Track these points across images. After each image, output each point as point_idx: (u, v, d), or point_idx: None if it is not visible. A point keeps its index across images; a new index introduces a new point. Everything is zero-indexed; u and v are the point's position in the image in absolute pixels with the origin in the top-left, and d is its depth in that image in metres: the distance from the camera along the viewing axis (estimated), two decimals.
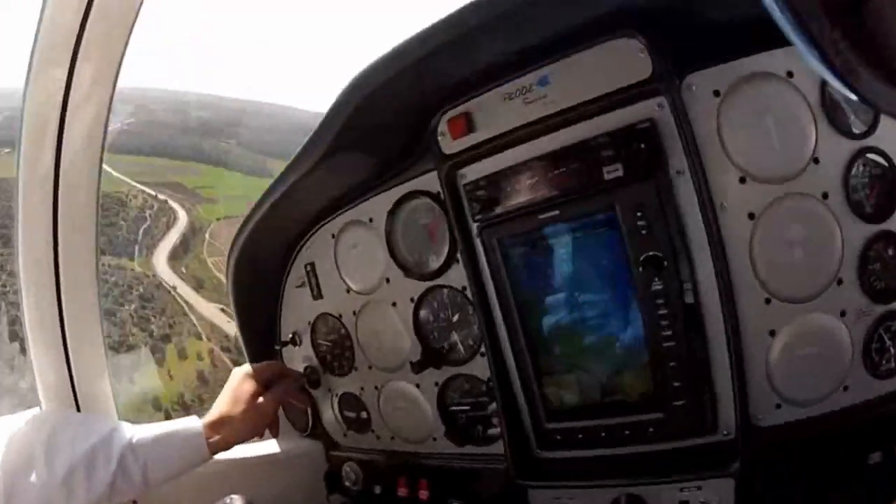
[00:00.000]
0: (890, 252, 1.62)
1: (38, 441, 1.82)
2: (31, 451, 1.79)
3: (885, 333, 1.63)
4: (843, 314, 1.60)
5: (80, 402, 2.36)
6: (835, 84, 0.67)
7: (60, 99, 1.98)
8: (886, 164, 1.59)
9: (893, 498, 1.70)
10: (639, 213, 1.65)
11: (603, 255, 1.75)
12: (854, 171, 1.58)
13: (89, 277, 2.37)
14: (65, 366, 2.33)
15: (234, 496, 1.68)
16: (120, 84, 2.05)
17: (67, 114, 2.04)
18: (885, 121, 1.57)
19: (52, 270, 2.25)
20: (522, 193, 1.80)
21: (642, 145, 1.61)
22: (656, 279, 1.67)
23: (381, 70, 1.76)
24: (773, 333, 1.64)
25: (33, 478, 1.75)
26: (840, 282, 1.59)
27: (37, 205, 2.19)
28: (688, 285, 1.65)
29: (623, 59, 1.61)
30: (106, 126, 2.19)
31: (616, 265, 1.72)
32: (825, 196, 1.57)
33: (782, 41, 1.43)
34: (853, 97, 0.67)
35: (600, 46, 1.64)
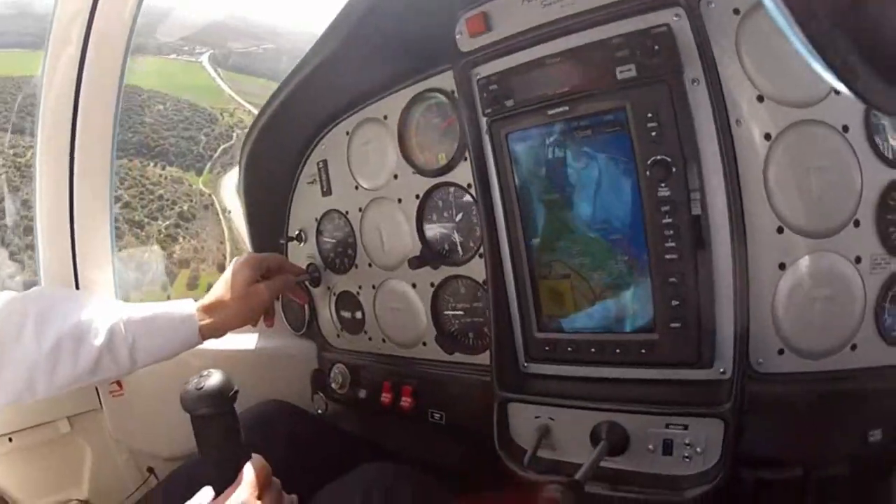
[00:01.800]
0: None
1: (30, 312, 1.81)
2: (23, 321, 1.79)
3: None
4: (857, 260, 1.53)
5: (79, 285, 2.41)
6: (834, 84, 0.68)
7: None
8: None
9: (885, 479, 1.67)
10: (649, 115, 1.60)
11: (611, 158, 1.69)
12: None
13: (103, 166, 2.41)
14: (69, 248, 2.38)
15: (211, 370, 1.65)
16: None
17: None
18: None
19: (68, 156, 2.29)
20: (534, 89, 1.76)
21: (656, 47, 1.56)
22: (663, 185, 1.61)
23: None
24: (782, 266, 1.55)
25: (21, 347, 1.76)
26: (857, 223, 1.52)
27: (58, 91, 2.22)
28: (695, 195, 1.58)
29: None
30: (135, 20, 2.24)
31: (623, 168, 1.67)
32: (845, 129, 1.50)
33: None
34: (852, 96, 0.68)
35: None
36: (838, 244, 1.52)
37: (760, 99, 1.53)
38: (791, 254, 1.54)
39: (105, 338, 1.84)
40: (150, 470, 2.53)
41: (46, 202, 2.34)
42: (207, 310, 2.01)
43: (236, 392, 1.52)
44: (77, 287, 2.40)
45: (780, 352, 1.57)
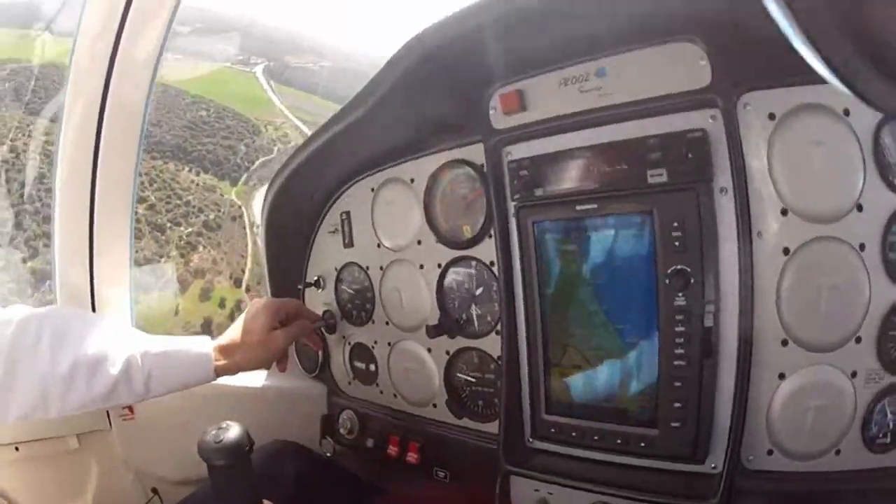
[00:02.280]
0: None
1: (48, 331, 1.82)
2: (38, 339, 1.80)
3: (889, 406, 1.57)
4: (853, 374, 1.55)
5: (95, 306, 2.45)
6: (835, 84, 0.68)
7: None
8: None
9: None
10: (675, 224, 1.61)
11: (633, 259, 1.72)
12: (894, 227, 1.52)
13: (125, 186, 2.44)
14: (87, 267, 2.41)
15: (229, 422, 1.69)
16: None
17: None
18: None
19: (90, 173, 2.32)
20: (564, 181, 1.78)
21: (690, 154, 1.58)
22: (680, 295, 1.63)
23: (448, 28, 1.74)
24: (782, 377, 1.59)
25: (36, 366, 1.77)
26: (858, 340, 1.54)
27: (84, 100, 2.25)
28: (710, 308, 1.61)
29: (683, 64, 1.58)
30: (168, 30, 2.26)
31: (644, 272, 1.69)
32: (862, 247, 1.51)
33: None
34: (854, 96, 0.68)
35: (662, 47, 1.61)
36: (838, 358, 1.54)
37: (784, 212, 1.54)
38: (792, 365, 1.57)
39: (122, 367, 1.86)
40: (155, 491, 2.59)
41: (66, 219, 2.37)
42: (223, 350, 2.03)
43: (252, 445, 1.55)
44: (93, 304, 2.44)
45: (770, 452, 1.61)
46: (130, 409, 2.45)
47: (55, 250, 2.42)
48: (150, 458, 2.55)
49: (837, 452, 1.57)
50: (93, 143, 2.30)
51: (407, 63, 1.83)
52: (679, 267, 1.62)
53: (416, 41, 1.79)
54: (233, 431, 1.56)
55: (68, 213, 2.38)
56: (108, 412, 2.46)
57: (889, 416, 1.56)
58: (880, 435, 1.56)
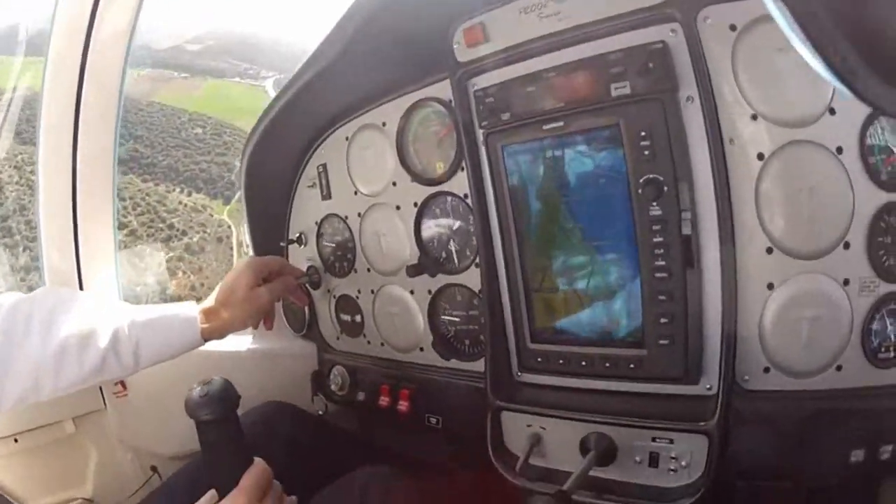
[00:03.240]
0: None
1: (36, 313, 1.84)
2: (29, 322, 1.81)
3: (889, 316, 1.56)
4: (846, 282, 1.54)
5: (83, 285, 2.47)
6: (835, 84, 0.69)
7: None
8: None
9: (872, 492, 1.71)
10: (643, 133, 1.61)
11: (605, 173, 1.71)
12: (871, 130, 1.50)
13: (105, 168, 2.50)
14: (73, 249, 2.43)
15: (214, 377, 1.68)
16: None
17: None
18: None
19: (70, 158, 2.38)
20: (529, 103, 1.77)
21: (651, 65, 1.57)
22: (654, 204, 1.62)
23: None
24: (770, 287, 1.57)
25: (28, 348, 1.78)
26: (847, 245, 1.53)
27: (59, 94, 2.29)
28: (686, 215, 1.60)
29: None
30: (131, 35, 2.32)
31: (616, 185, 1.68)
32: (839, 150, 1.50)
33: None
34: (853, 97, 0.69)
35: None
36: (827, 266, 1.53)
37: (754, 118, 1.53)
38: (780, 274, 1.56)
39: (110, 339, 1.86)
40: (154, 469, 2.59)
41: (49, 202, 2.39)
42: (209, 312, 2.03)
43: (239, 398, 1.55)
44: (81, 287, 2.44)
45: (766, 370, 1.59)
46: (123, 385, 2.46)
47: (41, 235, 2.43)
48: (146, 436, 2.56)
49: (839, 368, 1.55)
50: (72, 128, 2.34)
51: (369, 8, 1.83)
52: (651, 176, 1.61)
53: None
54: (217, 384, 1.55)
55: (51, 197, 2.40)
56: (101, 392, 2.47)
57: (889, 327, 1.56)
58: (882, 349, 1.56)
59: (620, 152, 1.65)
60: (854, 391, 1.55)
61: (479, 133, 1.90)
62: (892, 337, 1.55)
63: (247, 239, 2.68)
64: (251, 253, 2.65)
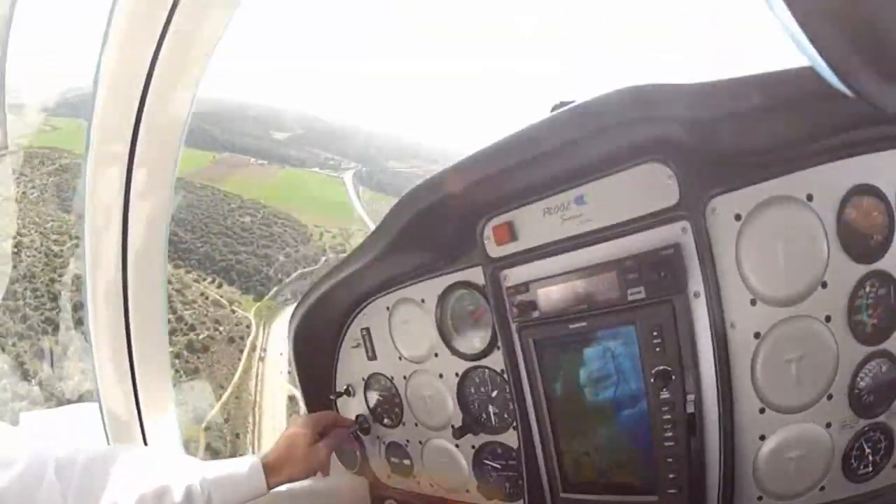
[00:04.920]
0: (883, 369, 1.75)
1: (113, 472, 2.03)
2: (105, 480, 2.00)
3: (867, 443, 1.79)
4: (828, 425, 1.78)
5: (146, 437, 2.70)
6: (835, 84, 0.71)
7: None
8: (892, 286, 1.72)
9: None
10: (654, 333, 1.92)
11: (623, 363, 2.02)
12: (861, 293, 1.72)
13: (159, 315, 2.70)
14: (133, 402, 2.65)
15: None
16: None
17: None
18: None
19: (122, 305, 2.55)
20: (556, 303, 2.08)
21: (663, 273, 1.87)
22: (664, 389, 1.93)
23: (436, 186, 2.08)
24: (762, 438, 1.85)
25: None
26: (830, 397, 1.77)
27: (105, 237, 2.45)
28: (690, 396, 1.90)
29: (652, 184, 1.85)
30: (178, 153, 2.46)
31: (632, 373, 2.01)
32: (828, 319, 1.73)
33: (802, 164, 1.68)
34: (853, 96, 0.71)
35: (631, 170, 1.89)
36: (812, 415, 1.79)
37: (753, 302, 1.81)
38: (770, 428, 1.85)
39: (183, 495, 2.07)
40: None
41: (105, 354, 2.60)
42: (272, 467, 2.28)
43: None
44: (143, 433, 2.69)
45: (760, 498, 1.90)
46: None
47: (98, 384, 2.64)
48: None
49: (822, 489, 1.83)
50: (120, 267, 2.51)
51: (403, 220, 2.17)
52: (661, 367, 1.93)
53: (409, 200, 2.15)
54: None
55: (108, 356, 2.60)
56: None
57: (867, 450, 1.79)
58: (861, 467, 1.80)
59: (635, 348, 1.98)
60: (835, 503, 1.84)
61: (513, 325, 2.21)
62: (870, 457, 1.79)
63: (298, 394, 2.94)
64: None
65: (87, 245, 2.42)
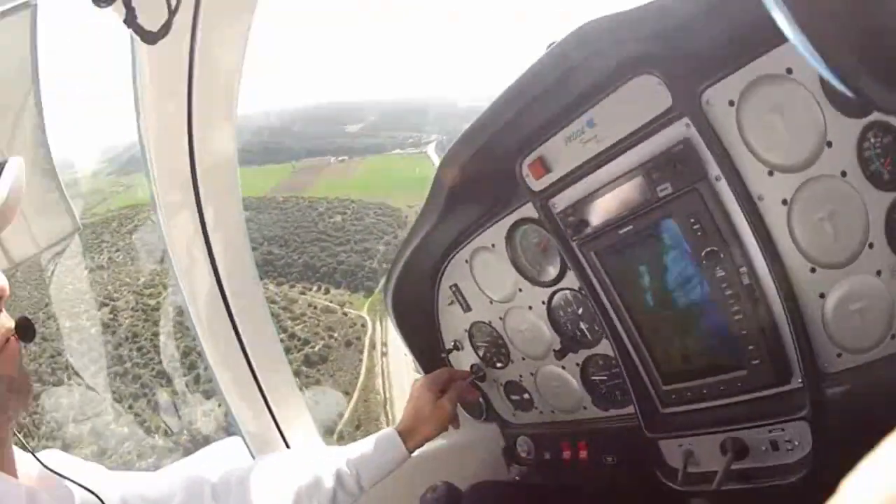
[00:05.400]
0: None
1: (264, 483, 2.26)
2: (259, 492, 2.22)
3: None
4: (878, 273, 1.81)
5: (286, 440, 2.90)
6: (835, 84, 0.70)
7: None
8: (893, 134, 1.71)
9: None
10: (692, 220, 2.04)
11: (676, 252, 2.15)
12: (866, 145, 1.74)
13: (266, 327, 2.86)
14: (270, 418, 2.84)
15: (435, 484, 2.13)
16: None
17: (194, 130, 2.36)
18: None
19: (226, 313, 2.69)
20: (602, 215, 2.24)
21: (679, 165, 2.00)
22: (717, 268, 2.05)
23: (466, 143, 2.27)
24: (822, 296, 1.92)
25: None
26: (871, 245, 1.80)
27: (196, 276, 2.60)
28: (743, 269, 2.01)
29: (646, 94, 2.00)
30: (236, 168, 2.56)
31: (686, 259, 2.13)
32: (844, 174, 1.78)
33: (773, 41, 1.78)
34: (853, 96, 0.70)
35: (626, 86, 2.04)
36: (860, 266, 1.83)
37: (771, 173, 1.91)
38: (826, 285, 1.92)
39: (335, 479, 2.31)
40: None
41: (232, 387, 2.79)
42: (406, 433, 2.49)
43: (460, 492, 2.02)
44: (283, 437, 2.89)
45: (839, 355, 1.97)
46: None
47: (233, 411, 2.82)
48: None
49: (893, 336, 1.88)
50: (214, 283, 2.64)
51: (449, 178, 2.37)
52: (709, 249, 2.05)
53: (449, 160, 2.33)
54: (441, 489, 2.04)
55: (229, 374, 2.77)
56: None
57: None
58: None
59: (680, 237, 2.10)
60: None
61: (574, 244, 2.37)
62: None
63: (410, 357, 3.15)
64: (416, 367, 3.14)
65: (183, 289, 2.60)
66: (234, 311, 2.70)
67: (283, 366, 2.96)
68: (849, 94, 0.70)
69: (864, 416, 1.91)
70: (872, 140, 1.74)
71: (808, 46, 0.67)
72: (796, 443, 2.09)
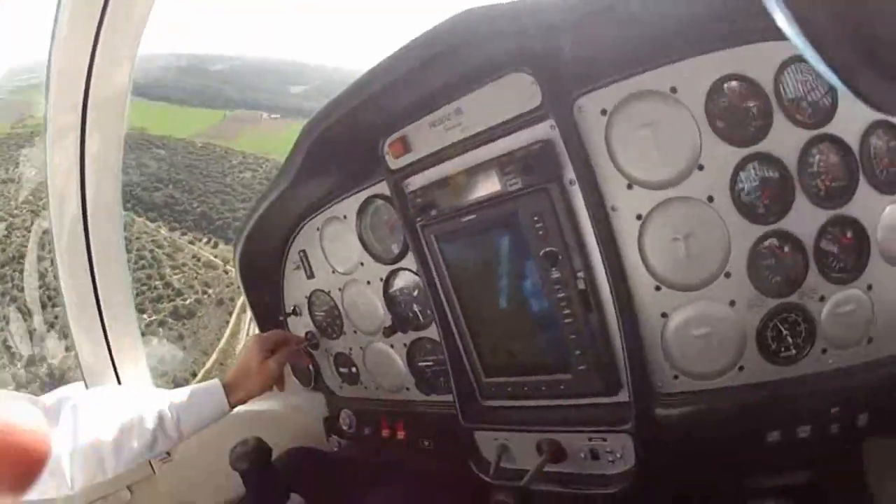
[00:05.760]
0: (786, 249, 1.84)
1: (95, 409, 2.24)
2: (90, 417, 2.20)
3: (783, 324, 1.87)
4: (732, 303, 1.87)
5: (120, 378, 2.86)
6: (835, 84, 0.70)
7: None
8: (778, 168, 1.80)
9: (791, 472, 2.09)
10: (535, 218, 2.07)
11: (514, 248, 2.18)
12: (743, 175, 1.81)
13: (121, 270, 2.85)
14: (106, 351, 2.80)
15: (247, 438, 2.13)
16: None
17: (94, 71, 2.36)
18: (777, 126, 1.78)
19: (87, 260, 2.67)
20: (449, 200, 2.26)
21: (533, 163, 2.02)
22: (553, 269, 2.09)
23: (331, 112, 2.23)
24: (664, 315, 1.97)
25: (91, 439, 2.16)
26: (728, 275, 1.86)
27: (66, 201, 2.56)
28: (580, 274, 2.05)
29: (518, 91, 2.00)
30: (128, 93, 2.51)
31: (525, 257, 2.16)
32: (710, 199, 1.83)
33: (665, 60, 1.86)
34: (853, 96, 0.70)
35: (498, 81, 2.05)
36: (712, 293, 1.90)
37: (630, 186, 1.94)
38: (670, 305, 1.97)
39: (156, 421, 2.29)
40: None
41: (75, 305, 2.73)
42: (231, 386, 2.49)
43: (271, 450, 2.03)
44: (116, 372, 2.85)
45: (675, 377, 2.03)
46: (168, 452, 2.86)
47: (74, 341, 2.77)
48: (191, 493, 2.95)
49: (741, 368, 1.94)
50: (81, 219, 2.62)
51: (307, 145, 2.33)
52: (547, 249, 2.08)
53: (310, 129, 2.29)
54: (251, 442, 2.03)
55: (77, 308, 2.73)
56: (150, 461, 2.84)
57: (784, 332, 1.88)
58: (782, 349, 1.90)
59: (521, 233, 2.13)
60: (759, 385, 1.92)
61: (417, 225, 2.39)
62: (790, 339, 1.88)
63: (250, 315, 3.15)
64: (255, 327, 3.15)
65: (52, 212, 2.55)
66: (92, 242, 2.65)
67: (128, 306, 2.89)
68: (849, 92, 0.70)
69: (694, 441, 2.01)
70: (752, 171, 1.81)
71: (807, 46, 0.67)
72: (618, 455, 2.14)
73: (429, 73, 2.06)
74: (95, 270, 2.70)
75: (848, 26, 0.64)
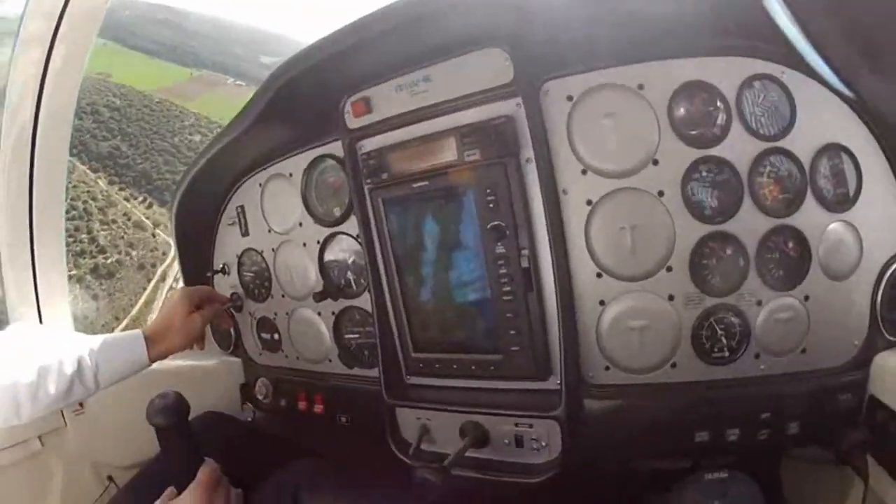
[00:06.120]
0: (728, 251, 1.89)
1: (12, 349, 2.17)
2: (7, 357, 2.13)
3: (719, 324, 1.92)
4: (671, 298, 1.91)
5: (42, 317, 2.75)
6: (835, 84, 0.74)
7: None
8: (730, 173, 1.86)
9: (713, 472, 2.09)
10: (488, 190, 2.04)
11: (461, 220, 2.14)
12: (696, 175, 1.87)
13: (59, 205, 2.72)
14: (32, 286, 2.69)
15: (167, 391, 2.03)
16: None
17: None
18: (734, 134, 1.84)
19: (27, 204, 2.59)
20: (403, 166, 2.20)
21: (495, 137, 1.99)
22: (499, 244, 2.06)
23: (300, 62, 2.14)
24: (602, 303, 1.99)
25: (6, 379, 2.05)
26: (670, 269, 1.90)
27: (21, 103, 2.45)
28: (525, 252, 2.03)
29: (491, 65, 1.97)
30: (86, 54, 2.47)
31: (471, 229, 2.12)
32: (661, 194, 1.87)
33: (637, 58, 1.89)
34: (853, 96, 0.72)
35: (473, 54, 2.01)
36: (652, 286, 1.93)
37: (584, 172, 1.96)
38: (609, 294, 1.98)
39: (75, 366, 2.16)
40: (110, 478, 2.86)
41: (8, 244, 2.63)
42: (152, 338, 2.37)
43: (189, 407, 1.94)
44: (40, 313, 2.74)
45: (607, 368, 2.03)
46: (80, 403, 2.73)
47: (3, 275, 2.67)
48: (103, 449, 2.82)
49: (673, 365, 1.96)
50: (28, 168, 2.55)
51: (270, 93, 2.24)
52: (495, 223, 2.05)
53: (275, 77, 2.20)
54: (171, 396, 1.93)
55: (11, 247, 2.63)
56: (62, 411, 2.72)
57: (719, 332, 1.92)
58: (715, 350, 1.94)
59: (472, 205, 2.10)
60: (690, 384, 1.96)
61: (366, 188, 2.33)
62: (724, 340, 1.93)
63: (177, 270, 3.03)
64: (181, 284, 3.02)
65: (3, 120, 2.45)
66: (36, 160, 2.55)
67: (60, 242, 2.78)
68: (849, 92, 0.70)
69: (620, 435, 2.01)
70: (704, 172, 1.85)
71: (807, 45, 0.69)
72: (544, 443, 2.11)
73: (404, 37, 2.02)
74: (34, 193, 2.60)
75: (848, 27, 0.66)
